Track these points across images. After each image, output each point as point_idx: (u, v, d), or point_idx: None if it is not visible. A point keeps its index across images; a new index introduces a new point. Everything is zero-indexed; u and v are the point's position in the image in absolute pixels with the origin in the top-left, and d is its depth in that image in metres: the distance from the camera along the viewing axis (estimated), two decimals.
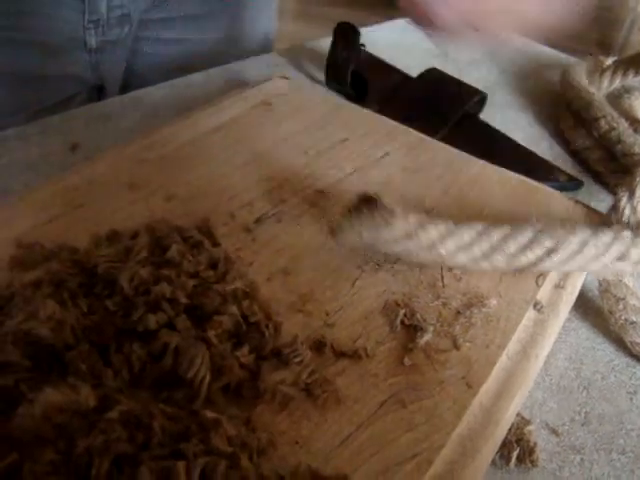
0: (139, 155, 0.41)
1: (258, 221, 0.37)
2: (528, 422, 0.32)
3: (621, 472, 0.32)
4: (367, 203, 0.33)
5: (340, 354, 0.29)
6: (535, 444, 0.31)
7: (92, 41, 0.63)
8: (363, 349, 0.30)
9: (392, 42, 0.71)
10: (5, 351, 0.24)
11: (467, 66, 0.69)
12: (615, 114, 0.55)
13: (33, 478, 0.22)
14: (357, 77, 0.57)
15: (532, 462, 0.31)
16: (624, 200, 0.39)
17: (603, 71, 0.64)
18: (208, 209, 0.37)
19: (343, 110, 0.49)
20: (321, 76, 0.60)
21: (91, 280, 0.29)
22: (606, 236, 0.35)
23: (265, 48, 0.75)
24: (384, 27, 0.77)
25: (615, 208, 0.39)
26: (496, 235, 0.33)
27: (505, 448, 0.30)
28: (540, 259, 0.34)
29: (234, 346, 0.28)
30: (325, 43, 0.61)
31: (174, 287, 0.28)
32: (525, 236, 0.34)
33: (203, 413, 0.24)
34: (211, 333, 0.27)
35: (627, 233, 0.36)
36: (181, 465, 0.22)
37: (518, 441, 0.31)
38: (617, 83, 0.64)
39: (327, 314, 0.31)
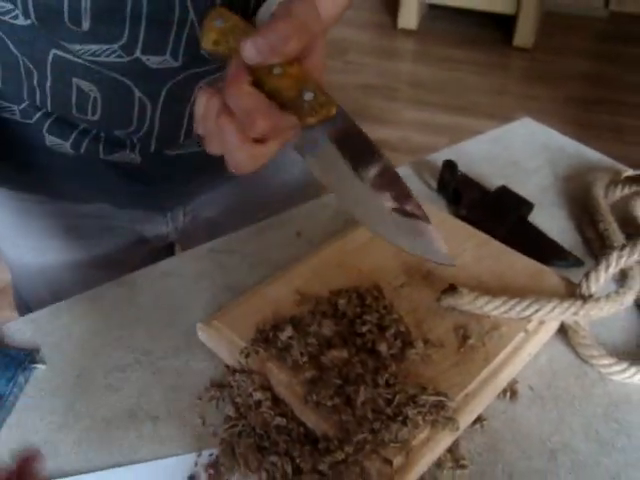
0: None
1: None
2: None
3: None
4: (452, 288, 0.78)
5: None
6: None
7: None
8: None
9: (482, 155, 1.13)
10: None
11: (532, 172, 1.11)
12: (611, 219, 0.96)
13: None
14: (455, 190, 1.02)
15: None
16: (584, 280, 0.82)
17: (616, 183, 1.06)
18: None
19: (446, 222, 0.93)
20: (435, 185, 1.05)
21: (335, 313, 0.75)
22: (567, 303, 0.79)
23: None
24: (479, 141, 1.19)
25: (580, 284, 0.82)
26: (511, 302, 0.78)
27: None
28: (532, 313, 0.77)
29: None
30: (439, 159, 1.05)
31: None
32: (525, 303, 0.78)
33: None
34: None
35: (579, 301, 0.79)
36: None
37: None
38: (625, 192, 1.03)
39: None
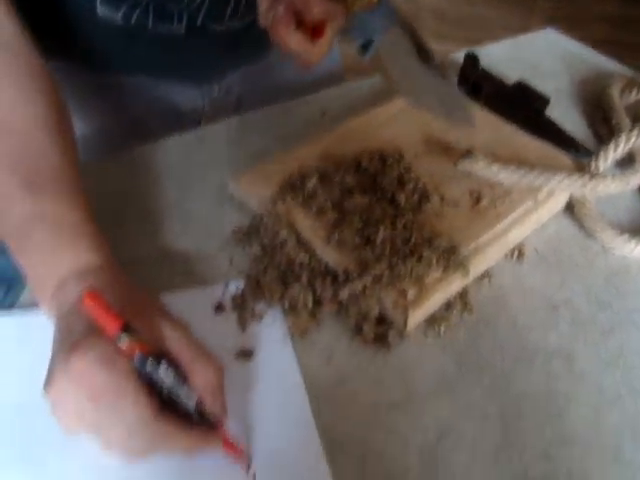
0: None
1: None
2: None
3: None
4: (469, 153, 0.83)
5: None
6: None
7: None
8: None
9: (502, 57, 1.17)
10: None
11: (550, 75, 1.15)
12: (623, 116, 1.00)
13: None
14: (475, 83, 1.06)
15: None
16: (593, 158, 0.86)
17: (631, 87, 1.09)
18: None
19: None
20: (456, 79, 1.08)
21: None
22: (576, 176, 0.83)
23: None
24: (501, 45, 1.22)
25: (589, 162, 0.87)
26: (523, 171, 0.82)
27: None
28: (542, 183, 0.82)
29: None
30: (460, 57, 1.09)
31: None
32: (536, 173, 0.82)
33: None
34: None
35: (587, 176, 0.84)
36: None
37: None
38: (637, 96, 1.07)
39: None
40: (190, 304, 0.66)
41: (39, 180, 0.59)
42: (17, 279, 0.68)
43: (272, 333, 0.65)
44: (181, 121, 0.95)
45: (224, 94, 1.01)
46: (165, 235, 0.74)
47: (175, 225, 0.76)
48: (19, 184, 0.59)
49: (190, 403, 0.50)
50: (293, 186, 0.72)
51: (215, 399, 0.50)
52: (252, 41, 0.90)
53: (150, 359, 0.47)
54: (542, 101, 0.98)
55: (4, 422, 0.57)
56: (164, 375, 0.48)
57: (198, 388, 0.49)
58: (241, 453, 0.54)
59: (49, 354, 0.53)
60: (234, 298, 0.66)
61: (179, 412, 0.50)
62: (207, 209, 0.77)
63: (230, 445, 0.53)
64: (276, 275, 0.66)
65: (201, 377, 0.50)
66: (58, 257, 0.57)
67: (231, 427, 0.56)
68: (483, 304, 0.69)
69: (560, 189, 0.76)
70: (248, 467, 0.55)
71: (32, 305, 0.66)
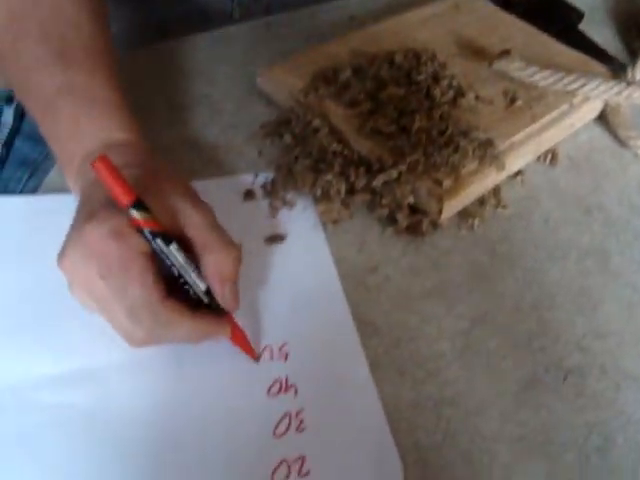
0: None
1: None
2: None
3: None
4: (506, 53, 0.80)
5: None
6: None
7: None
8: None
9: None
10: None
11: None
12: None
13: None
14: None
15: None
16: (630, 66, 0.84)
17: None
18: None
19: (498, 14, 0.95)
20: None
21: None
22: (612, 83, 0.81)
23: None
24: None
25: (626, 70, 0.84)
26: (559, 74, 0.80)
27: None
28: (578, 87, 0.80)
29: None
30: None
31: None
32: (572, 77, 0.80)
33: None
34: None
35: (624, 84, 0.81)
36: None
37: None
38: None
39: None
40: (219, 191, 0.65)
41: (70, 51, 0.57)
42: (41, 163, 0.66)
43: (303, 220, 0.64)
44: (208, 24, 0.93)
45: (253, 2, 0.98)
46: (192, 126, 0.73)
47: (203, 117, 0.74)
48: (49, 55, 0.56)
49: (199, 288, 0.49)
50: (326, 78, 0.71)
51: (224, 287, 0.48)
52: None
53: (160, 238, 0.45)
54: (576, 15, 0.96)
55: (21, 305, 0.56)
56: (173, 256, 0.46)
57: (207, 274, 0.47)
58: (249, 344, 0.53)
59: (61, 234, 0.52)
60: (264, 186, 0.65)
61: (190, 301, 0.49)
62: (235, 103, 0.76)
63: (239, 335, 0.52)
64: (308, 164, 0.64)
65: (212, 264, 0.47)
66: (87, 130, 0.55)
67: (261, 313, 0.57)
68: (516, 201, 0.68)
69: (596, 95, 0.75)
70: (257, 358, 0.54)
71: (55, 190, 0.64)
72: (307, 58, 0.76)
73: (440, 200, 0.60)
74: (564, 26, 0.95)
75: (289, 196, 0.64)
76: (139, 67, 0.81)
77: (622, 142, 0.78)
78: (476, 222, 0.64)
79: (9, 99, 0.74)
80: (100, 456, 0.47)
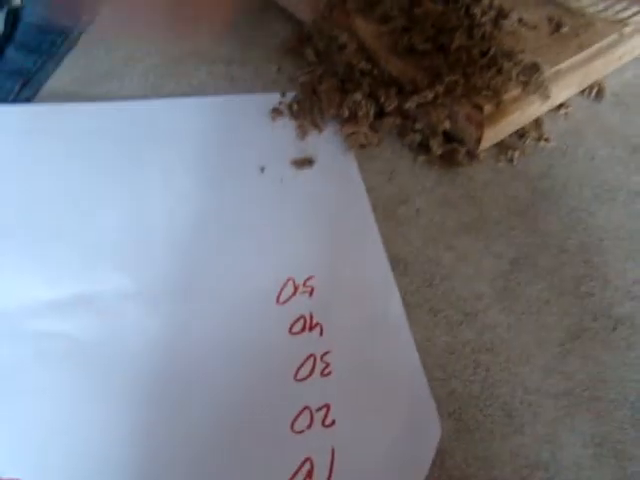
0: None
1: None
2: None
3: None
4: None
5: None
6: None
7: None
8: None
9: None
10: None
11: None
12: None
13: None
14: None
15: None
16: None
17: None
18: None
19: None
20: None
21: None
22: None
23: None
24: None
25: None
26: (610, 0, 0.72)
27: None
28: (630, 16, 0.72)
29: None
30: None
31: None
32: (624, 4, 0.72)
33: None
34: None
35: None
36: None
37: None
38: None
39: None
40: (244, 108, 0.60)
41: None
42: (35, 74, 0.59)
43: (334, 145, 0.57)
44: None
45: None
46: (204, 40, 0.64)
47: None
48: None
49: None
50: None
51: None
52: None
53: None
54: None
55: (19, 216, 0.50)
56: None
57: None
58: None
59: (56, 147, 0.51)
60: (290, 105, 0.57)
61: None
62: (251, 18, 0.68)
63: None
64: (334, 83, 0.57)
65: None
66: None
67: (285, 241, 0.51)
68: (559, 136, 0.61)
69: None
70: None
71: (51, 99, 0.59)
72: None
73: (480, 127, 0.53)
74: None
75: (318, 118, 0.56)
76: None
77: None
78: (516, 155, 0.57)
79: (1, 4, 0.66)
80: (94, 391, 0.40)
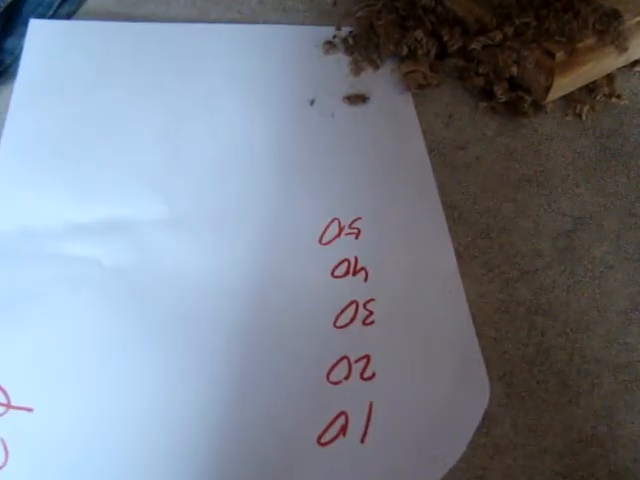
0: None
1: None
2: None
3: None
4: None
5: None
6: None
7: None
8: None
9: None
10: None
11: None
12: None
13: None
14: None
15: None
16: None
17: None
18: None
19: None
20: None
21: None
22: None
23: None
24: None
25: None
26: None
27: None
28: None
29: None
30: None
31: None
32: None
33: None
34: None
35: None
36: None
37: None
38: None
39: None
40: (295, 40, 0.56)
41: None
42: None
43: (390, 84, 0.54)
44: None
45: None
46: None
47: None
48: None
49: None
50: None
51: None
52: None
53: None
54: None
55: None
56: None
57: None
58: None
59: (96, 65, 0.50)
60: (345, 40, 0.53)
61: None
62: None
63: None
64: (393, 18, 0.53)
65: None
66: None
67: (333, 179, 0.48)
68: (632, 95, 0.56)
69: None
70: None
71: (92, 17, 0.56)
72: None
73: (550, 74, 0.48)
74: None
75: (375, 54, 0.52)
76: None
77: None
78: (585, 109, 0.53)
79: None
80: (121, 320, 0.37)
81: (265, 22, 0.56)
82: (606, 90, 0.55)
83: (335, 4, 0.58)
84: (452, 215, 0.45)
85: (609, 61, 0.54)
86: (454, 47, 0.52)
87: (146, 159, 0.44)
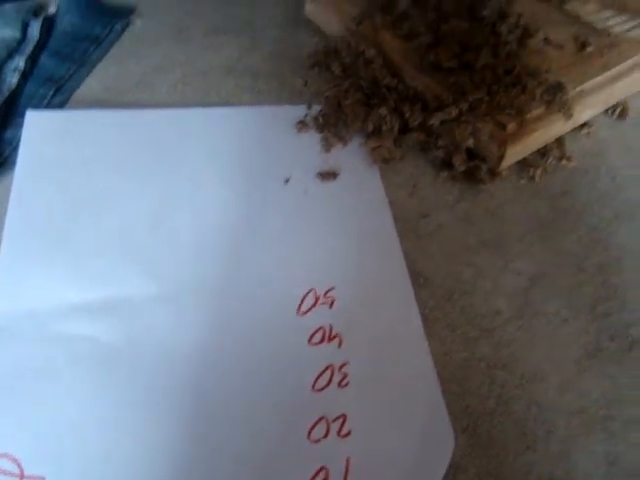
0: None
1: None
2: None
3: None
4: None
5: None
6: None
7: None
8: None
9: None
10: None
11: None
12: None
13: None
14: None
15: None
16: None
17: None
18: None
19: None
20: None
21: None
22: None
23: None
24: None
25: None
26: (637, 20, 0.72)
27: None
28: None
29: None
30: None
31: None
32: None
33: None
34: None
35: None
36: None
37: None
38: None
39: None
40: (270, 119, 0.61)
41: None
42: (67, 81, 0.61)
43: (358, 158, 0.59)
44: None
45: None
46: (232, 52, 0.67)
47: (244, 43, 0.68)
48: None
49: None
50: (382, 6, 0.65)
51: None
52: None
53: None
54: None
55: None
56: None
57: None
58: None
59: (87, 151, 0.54)
60: (316, 118, 0.58)
61: None
62: (279, 31, 0.70)
63: None
64: (359, 97, 0.58)
65: None
66: None
67: (308, 252, 0.52)
68: (581, 155, 0.62)
69: None
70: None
71: (83, 105, 0.61)
72: None
73: (503, 145, 0.54)
74: None
75: (343, 131, 0.57)
76: None
77: None
78: (538, 173, 0.58)
79: (36, 12, 0.68)
80: (118, 398, 0.41)
81: (242, 104, 0.61)
82: (556, 153, 0.61)
83: (306, 84, 0.63)
84: (417, 281, 0.50)
85: (557, 127, 0.60)
86: (415, 122, 0.57)
87: (136, 240, 0.49)
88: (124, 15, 0.69)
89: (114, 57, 0.65)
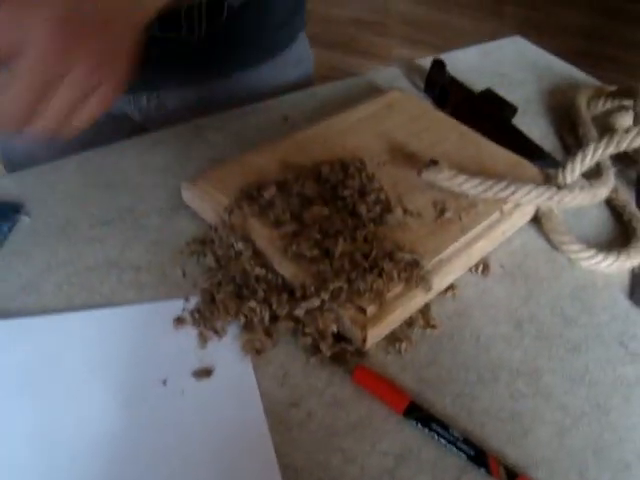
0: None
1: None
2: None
3: None
4: (434, 163, 0.80)
5: None
6: None
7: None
8: None
9: (470, 65, 1.14)
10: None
11: (518, 85, 1.12)
12: (591, 126, 0.98)
13: None
14: (442, 90, 1.03)
15: None
16: (560, 170, 0.84)
17: (599, 96, 1.07)
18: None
19: (430, 113, 0.95)
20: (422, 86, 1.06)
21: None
22: (543, 188, 0.81)
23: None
24: (469, 52, 1.20)
25: (557, 173, 0.84)
26: (488, 182, 0.80)
27: None
28: (508, 195, 0.79)
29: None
30: (427, 62, 1.06)
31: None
32: (502, 184, 0.80)
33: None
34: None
35: (554, 188, 0.81)
36: None
37: None
38: (607, 106, 1.06)
39: None
40: (150, 317, 0.65)
41: None
42: None
43: (232, 351, 0.62)
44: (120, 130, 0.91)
45: (155, 106, 0.97)
46: (114, 244, 0.71)
47: (126, 234, 0.72)
48: None
49: None
50: (250, 196, 0.69)
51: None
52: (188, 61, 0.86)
53: None
54: (510, 110, 0.96)
55: None
56: None
57: None
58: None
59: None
60: (192, 313, 0.62)
61: None
62: (160, 217, 0.74)
63: None
64: (231, 289, 0.63)
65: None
66: None
67: (180, 458, 0.55)
68: (446, 319, 0.66)
69: (526, 201, 0.74)
70: None
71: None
72: (233, 171, 0.74)
73: (364, 329, 0.59)
74: (498, 121, 0.94)
75: (219, 324, 0.62)
76: (58, 178, 0.82)
77: (555, 247, 0.75)
78: (403, 346, 0.62)
79: None
80: None
81: (123, 301, 0.65)
82: (421, 322, 0.65)
83: (184, 275, 0.67)
84: (287, 474, 0.53)
85: (418, 301, 0.64)
86: (283, 312, 0.61)
87: (15, 455, 0.53)
88: (10, 215, 0.71)
89: (2, 259, 0.69)
